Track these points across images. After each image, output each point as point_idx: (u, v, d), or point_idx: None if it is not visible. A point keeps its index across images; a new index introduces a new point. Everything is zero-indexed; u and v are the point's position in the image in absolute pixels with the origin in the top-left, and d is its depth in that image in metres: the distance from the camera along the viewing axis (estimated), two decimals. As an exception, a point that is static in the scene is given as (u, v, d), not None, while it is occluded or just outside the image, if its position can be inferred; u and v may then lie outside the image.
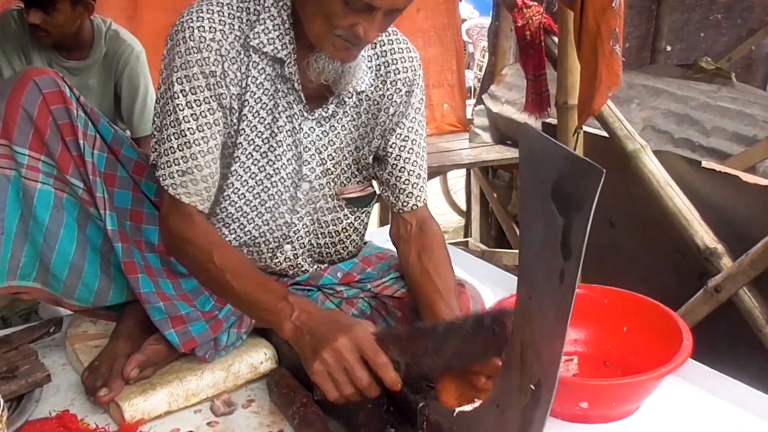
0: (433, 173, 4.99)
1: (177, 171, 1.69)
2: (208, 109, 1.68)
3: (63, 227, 1.82)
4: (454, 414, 1.41)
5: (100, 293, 1.89)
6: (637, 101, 3.84)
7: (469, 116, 5.44)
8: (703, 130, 3.42)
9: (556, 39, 3.32)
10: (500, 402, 1.29)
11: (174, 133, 1.68)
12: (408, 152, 1.85)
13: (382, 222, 4.44)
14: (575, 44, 2.79)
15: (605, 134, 3.14)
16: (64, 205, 1.82)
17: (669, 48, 5.71)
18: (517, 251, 4.46)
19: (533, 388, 1.19)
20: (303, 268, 1.91)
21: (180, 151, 1.68)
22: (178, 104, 1.66)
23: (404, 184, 1.87)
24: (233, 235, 1.83)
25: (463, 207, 5.87)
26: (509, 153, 4.62)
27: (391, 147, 1.84)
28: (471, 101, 6.15)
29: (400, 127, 1.83)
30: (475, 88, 7.05)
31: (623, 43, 2.73)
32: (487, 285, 2.22)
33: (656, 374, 1.62)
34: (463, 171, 5.78)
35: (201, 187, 1.70)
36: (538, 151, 1.16)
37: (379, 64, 1.80)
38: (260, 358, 1.89)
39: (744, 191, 2.78)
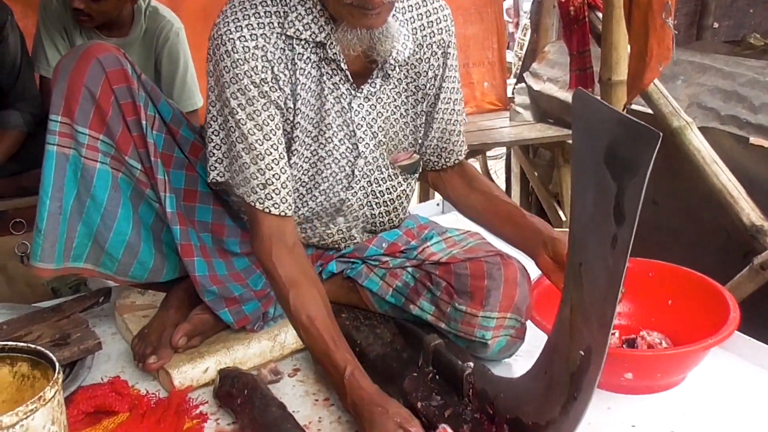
0: (473, 152, 4.97)
1: (258, 185, 1.67)
2: (269, 116, 1.66)
3: (120, 207, 1.82)
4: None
5: (154, 271, 1.91)
6: (682, 78, 3.78)
7: (509, 95, 5.40)
8: (751, 106, 3.36)
9: (600, 14, 3.28)
10: (548, 368, 1.29)
11: (243, 149, 1.66)
12: (450, 113, 1.89)
13: (422, 198, 4.43)
14: (625, 18, 2.76)
15: (649, 111, 3.11)
16: (119, 185, 1.82)
17: (716, 25, 5.61)
18: (557, 230, 4.44)
19: (582, 354, 1.19)
20: (355, 240, 1.93)
21: (254, 165, 1.66)
22: (239, 119, 1.64)
23: (446, 143, 1.92)
24: None
25: (503, 187, 5.85)
26: (550, 131, 4.58)
27: (437, 112, 1.86)
28: (511, 80, 6.11)
29: (443, 92, 1.85)
30: (516, 67, 6.99)
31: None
32: (530, 259, 2.21)
33: (702, 345, 1.61)
34: (503, 151, 5.76)
35: (284, 193, 1.69)
36: (592, 116, 1.15)
37: (415, 29, 1.78)
38: (306, 328, 1.91)
39: (793, 168, 2.74)
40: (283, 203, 1.69)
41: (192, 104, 3.28)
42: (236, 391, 1.62)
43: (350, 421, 1.60)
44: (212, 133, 1.73)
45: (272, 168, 1.67)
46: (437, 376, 1.57)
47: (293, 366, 1.85)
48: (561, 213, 4.75)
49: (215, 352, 1.79)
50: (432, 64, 1.81)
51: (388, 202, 1.90)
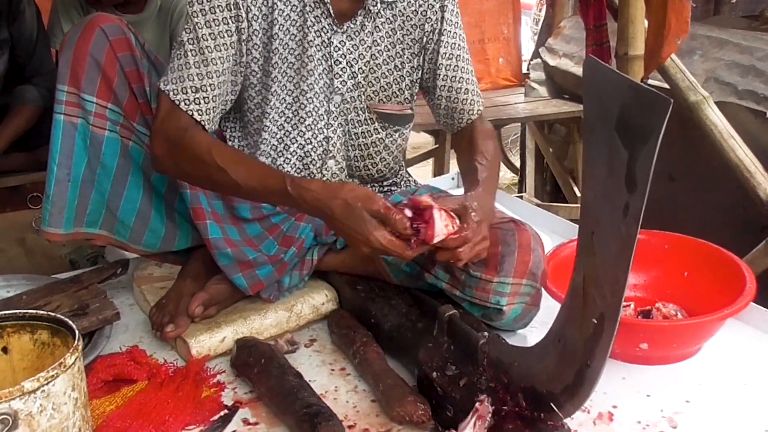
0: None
1: (191, 87, 1.71)
2: (226, 31, 1.71)
3: (130, 174, 1.86)
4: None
5: (166, 239, 1.93)
6: (699, 53, 3.76)
7: (525, 70, 5.38)
8: (769, 81, 3.34)
9: (617, -12, 3.26)
10: (561, 336, 1.30)
11: (192, 50, 1.71)
12: (454, 70, 1.88)
13: (436, 173, 4.44)
14: (643, -9, 2.74)
15: (666, 85, 3.09)
16: (130, 152, 1.85)
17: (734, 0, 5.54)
18: (572, 206, 4.44)
19: (595, 321, 1.19)
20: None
21: (196, 68, 1.71)
22: (197, 23, 1.70)
23: (455, 102, 1.91)
24: (282, 158, 1.85)
25: (517, 164, 5.83)
26: (566, 107, 4.56)
27: (439, 68, 1.86)
28: (526, 57, 6.08)
29: (443, 47, 1.85)
30: (531, 43, 6.95)
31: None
32: (546, 232, 2.22)
33: (718, 316, 1.61)
34: (517, 128, 5.74)
35: (211, 106, 1.73)
36: (603, 83, 1.15)
37: None
38: (321, 299, 1.93)
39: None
40: (206, 114, 1.73)
41: None
42: (253, 360, 1.64)
43: (366, 390, 1.62)
44: (177, 43, 1.77)
45: (211, 77, 1.72)
46: (452, 346, 1.58)
47: (309, 336, 1.87)
48: (576, 189, 4.74)
49: (232, 322, 1.81)
50: (429, 18, 1.83)
51: (362, 147, 1.91)
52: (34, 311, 1.39)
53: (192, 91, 1.71)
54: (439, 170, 4.47)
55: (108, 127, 1.81)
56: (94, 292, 1.91)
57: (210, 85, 1.72)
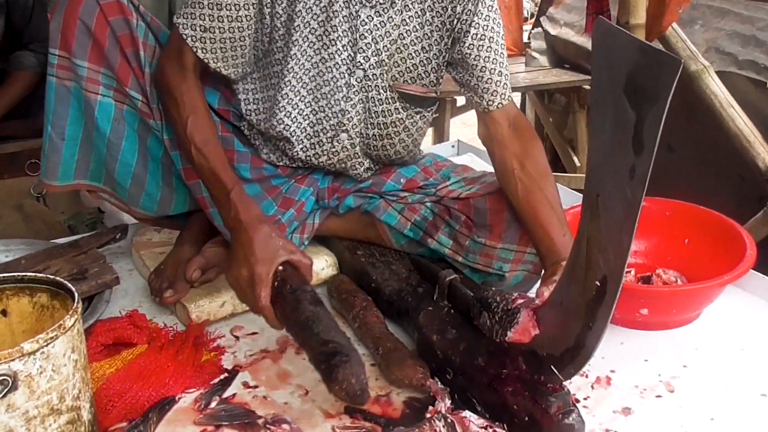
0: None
1: (200, 26, 1.68)
2: None
3: (124, 139, 1.84)
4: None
5: (163, 202, 1.92)
6: (701, 22, 3.74)
7: (525, 40, 5.35)
8: (770, 51, 3.32)
9: (619, -44, 3.23)
10: (564, 299, 1.30)
11: None
12: (486, 50, 1.77)
13: (436, 141, 4.44)
14: (645, -41, 2.73)
15: (667, 54, 3.08)
16: (124, 117, 1.83)
17: (735, -32, 5.51)
18: (571, 175, 4.44)
19: (598, 284, 1.19)
20: (359, 161, 1.90)
21: (209, 9, 1.67)
22: None
23: (486, 83, 1.79)
24: (296, 125, 1.80)
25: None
26: (566, 76, 4.54)
27: (468, 48, 1.76)
28: (527, 27, 6.04)
29: (474, 27, 1.75)
30: (532, 14, 6.91)
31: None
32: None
33: (718, 282, 1.61)
34: (518, 96, 5.71)
35: (218, 46, 1.71)
36: (612, 44, 1.13)
37: None
38: (321, 264, 1.92)
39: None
40: (211, 53, 1.71)
41: None
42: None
43: (366, 354, 1.61)
44: None
45: (222, 21, 1.68)
46: (452, 310, 1.58)
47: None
48: (575, 158, 4.73)
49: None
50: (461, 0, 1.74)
51: (382, 126, 1.85)
52: (33, 274, 1.39)
53: (200, 30, 1.68)
54: (439, 138, 4.47)
55: (101, 92, 1.80)
56: (93, 256, 1.91)
57: (219, 28, 1.69)
